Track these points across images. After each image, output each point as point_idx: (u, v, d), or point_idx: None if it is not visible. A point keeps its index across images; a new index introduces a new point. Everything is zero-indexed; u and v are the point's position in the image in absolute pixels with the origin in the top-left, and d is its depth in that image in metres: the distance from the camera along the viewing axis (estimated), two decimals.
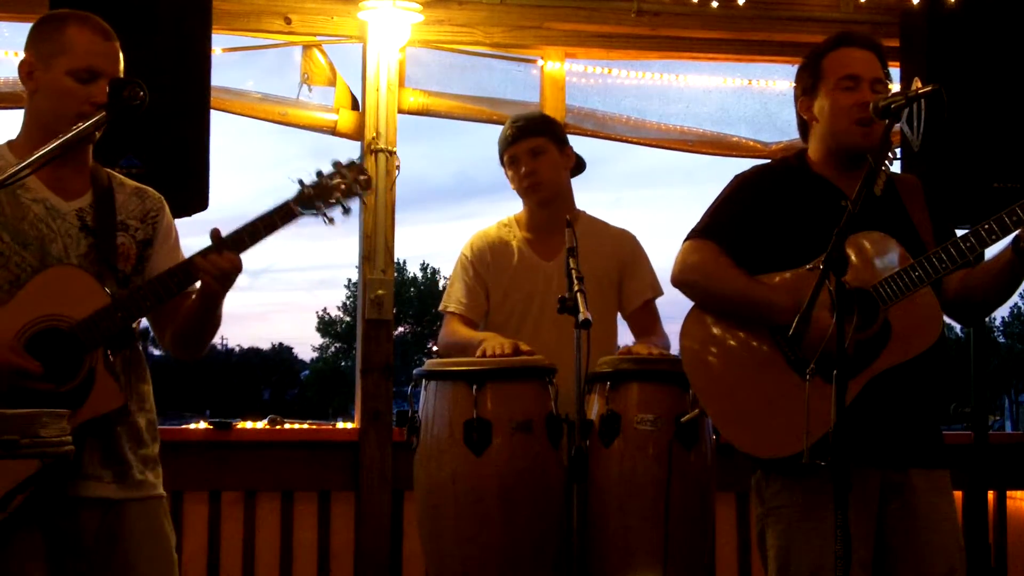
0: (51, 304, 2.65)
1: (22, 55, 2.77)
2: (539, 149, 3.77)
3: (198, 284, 2.77)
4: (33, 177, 2.72)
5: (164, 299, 2.72)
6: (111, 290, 2.69)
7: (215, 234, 2.70)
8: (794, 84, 3.19)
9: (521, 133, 3.78)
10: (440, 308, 3.87)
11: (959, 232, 2.92)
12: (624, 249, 3.87)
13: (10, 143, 2.81)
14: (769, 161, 3.58)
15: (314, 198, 2.72)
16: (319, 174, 2.74)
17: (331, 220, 2.75)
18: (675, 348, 3.97)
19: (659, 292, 3.85)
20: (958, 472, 3.05)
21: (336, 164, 2.76)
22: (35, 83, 2.75)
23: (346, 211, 2.76)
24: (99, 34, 2.75)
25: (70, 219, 2.76)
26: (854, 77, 3.02)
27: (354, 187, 2.74)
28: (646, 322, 3.82)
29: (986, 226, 2.81)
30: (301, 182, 2.73)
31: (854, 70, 3.03)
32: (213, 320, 2.83)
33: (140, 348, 2.86)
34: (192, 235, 3.05)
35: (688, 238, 3.12)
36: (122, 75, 2.76)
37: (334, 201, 2.74)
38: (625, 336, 3.87)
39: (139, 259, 2.84)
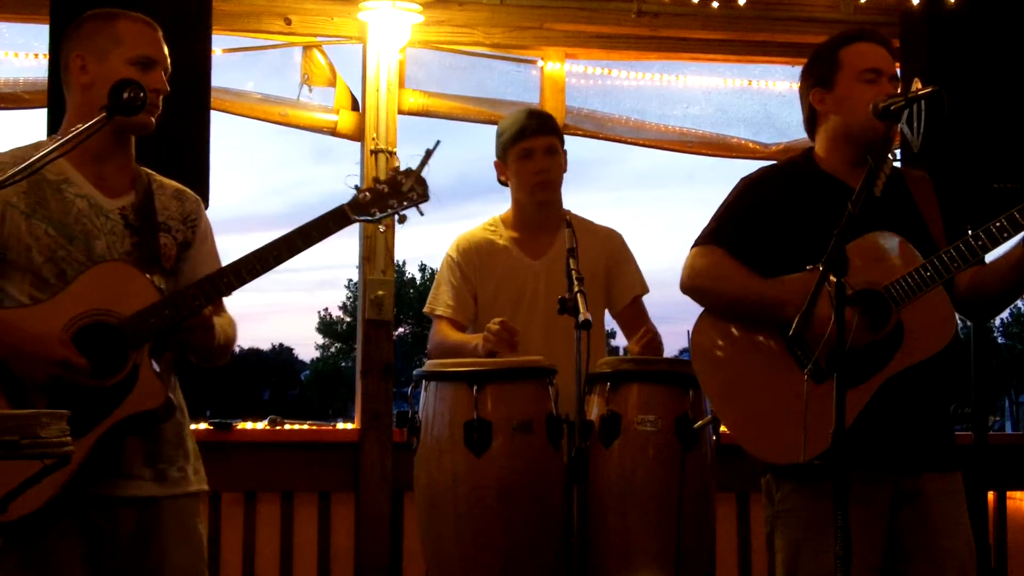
0: (101, 299, 2.64)
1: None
2: (554, 148, 3.75)
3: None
4: (77, 173, 2.75)
5: (214, 298, 2.71)
6: (160, 287, 2.69)
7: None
8: (804, 77, 3.14)
9: (541, 128, 3.74)
10: (426, 310, 3.83)
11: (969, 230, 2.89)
12: (611, 248, 3.86)
13: (54, 139, 2.73)
14: (775, 162, 3.54)
15: (368, 204, 2.73)
16: (376, 180, 2.75)
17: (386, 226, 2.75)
18: (671, 348, 3.98)
19: (646, 289, 3.85)
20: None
21: (395, 170, 2.76)
22: (90, 76, 2.75)
23: (401, 219, 2.76)
24: (147, 25, 2.81)
25: (113, 217, 2.76)
26: (876, 71, 2.98)
27: (411, 195, 2.74)
28: (635, 319, 3.80)
29: (997, 224, 2.79)
30: (357, 187, 2.74)
31: (876, 64, 2.99)
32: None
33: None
34: None
35: (695, 245, 3.09)
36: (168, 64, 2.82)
37: (390, 209, 2.74)
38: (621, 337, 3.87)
39: (177, 260, 2.84)
